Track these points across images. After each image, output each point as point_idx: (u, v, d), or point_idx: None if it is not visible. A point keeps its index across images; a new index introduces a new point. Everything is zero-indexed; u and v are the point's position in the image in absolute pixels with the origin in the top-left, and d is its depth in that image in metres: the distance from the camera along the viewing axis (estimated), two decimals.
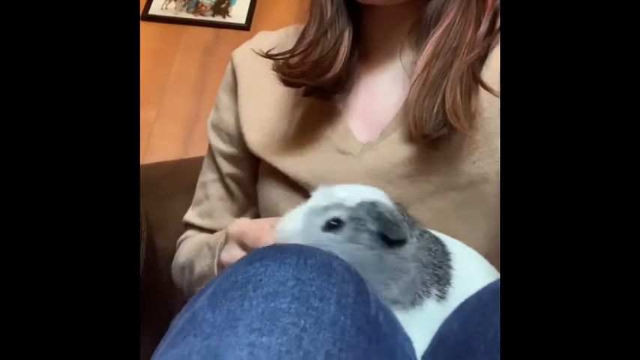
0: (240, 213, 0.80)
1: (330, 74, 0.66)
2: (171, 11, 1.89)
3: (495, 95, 0.61)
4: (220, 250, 0.67)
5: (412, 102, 0.63)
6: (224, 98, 0.80)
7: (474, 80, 0.62)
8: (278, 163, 0.69)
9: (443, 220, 0.64)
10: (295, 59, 0.66)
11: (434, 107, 0.61)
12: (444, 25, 0.63)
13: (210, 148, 0.82)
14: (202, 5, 1.91)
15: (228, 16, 1.88)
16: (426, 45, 0.64)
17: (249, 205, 0.80)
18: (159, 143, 1.63)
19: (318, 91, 0.69)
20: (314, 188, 0.65)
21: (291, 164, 0.69)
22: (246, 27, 1.84)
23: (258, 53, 0.68)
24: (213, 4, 1.91)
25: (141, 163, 0.94)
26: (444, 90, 0.61)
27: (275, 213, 0.69)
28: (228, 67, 0.80)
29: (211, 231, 0.79)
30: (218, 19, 1.87)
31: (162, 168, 1.14)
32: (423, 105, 0.62)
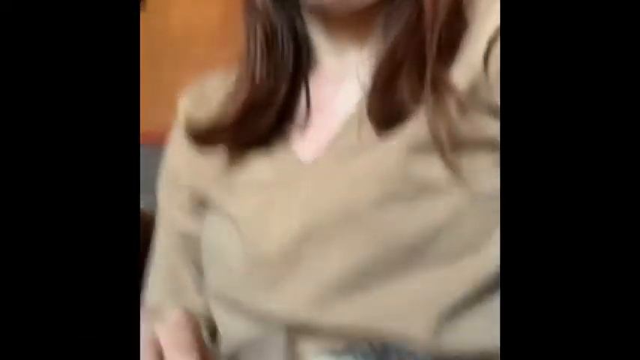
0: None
1: (267, 120, 0.63)
2: None
3: (462, 106, 0.57)
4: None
5: (365, 103, 0.59)
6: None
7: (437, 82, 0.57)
8: (218, 201, 0.65)
9: None
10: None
11: (390, 101, 0.57)
12: (401, 30, 0.59)
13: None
14: None
15: None
16: (381, 51, 0.60)
17: None
18: None
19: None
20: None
21: (230, 200, 0.64)
22: None
23: None
24: None
25: None
26: (400, 88, 0.57)
27: (218, 251, 0.64)
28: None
29: None
30: None
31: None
32: (377, 98, 0.58)
